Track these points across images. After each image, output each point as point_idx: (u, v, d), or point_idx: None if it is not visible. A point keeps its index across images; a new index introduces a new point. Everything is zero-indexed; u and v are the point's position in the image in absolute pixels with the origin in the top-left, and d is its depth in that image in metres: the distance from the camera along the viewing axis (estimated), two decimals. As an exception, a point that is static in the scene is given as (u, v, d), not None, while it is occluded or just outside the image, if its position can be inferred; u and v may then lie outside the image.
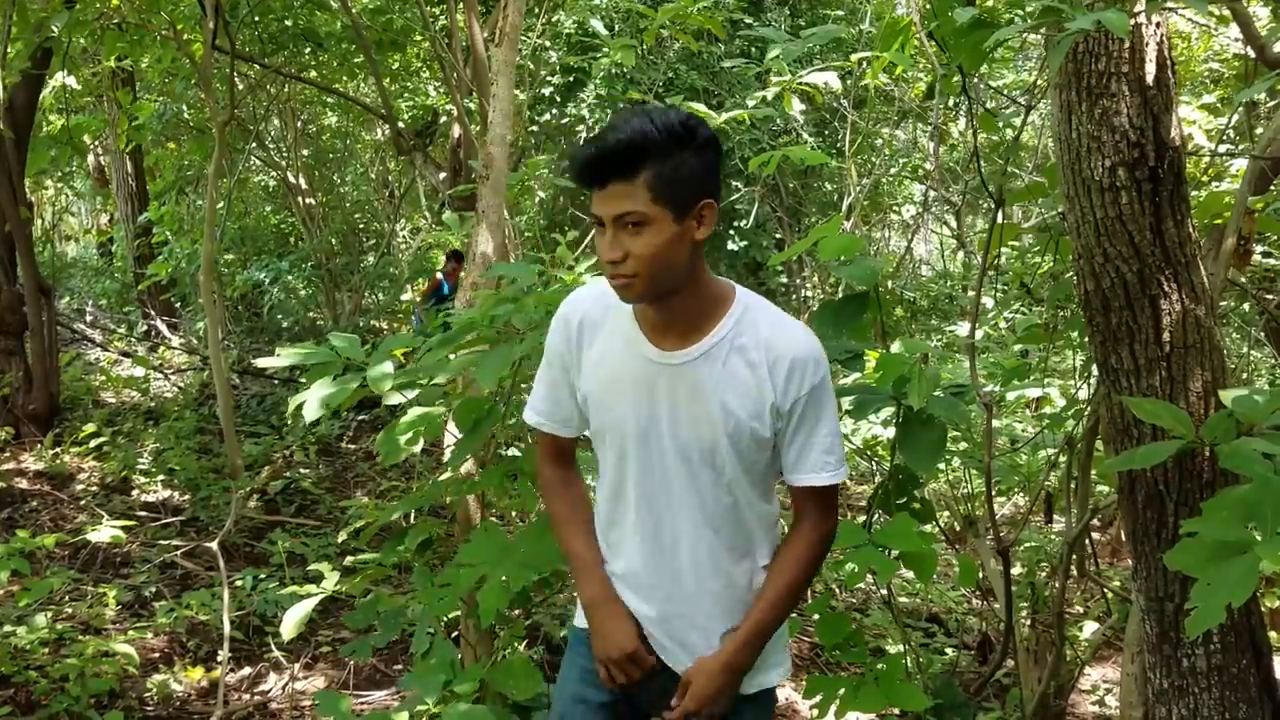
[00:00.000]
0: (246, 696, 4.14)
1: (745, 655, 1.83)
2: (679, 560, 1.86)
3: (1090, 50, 2.41)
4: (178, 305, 12.43)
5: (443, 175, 9.91)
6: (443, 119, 11.27)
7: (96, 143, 12.44)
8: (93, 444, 6.89)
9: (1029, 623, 3.77)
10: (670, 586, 1.88)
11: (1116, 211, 2.40)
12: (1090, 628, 4.47)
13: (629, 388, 1.82)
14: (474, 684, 2.37)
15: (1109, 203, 2.41)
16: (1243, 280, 3.85)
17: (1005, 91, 7.11)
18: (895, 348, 2.60)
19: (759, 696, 1.92)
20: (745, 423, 1.75)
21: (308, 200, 11.88)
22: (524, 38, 7.67)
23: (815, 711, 2.44)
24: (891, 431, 4.30)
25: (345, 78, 10.93)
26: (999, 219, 2.97)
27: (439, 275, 9.77)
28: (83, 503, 6.05)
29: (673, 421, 1.79)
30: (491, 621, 2.33)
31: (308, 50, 9.79)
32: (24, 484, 6.30)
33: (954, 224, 12.68)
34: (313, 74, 10.18)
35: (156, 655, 4.36)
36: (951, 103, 8.20)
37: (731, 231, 9.87)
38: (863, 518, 2.61)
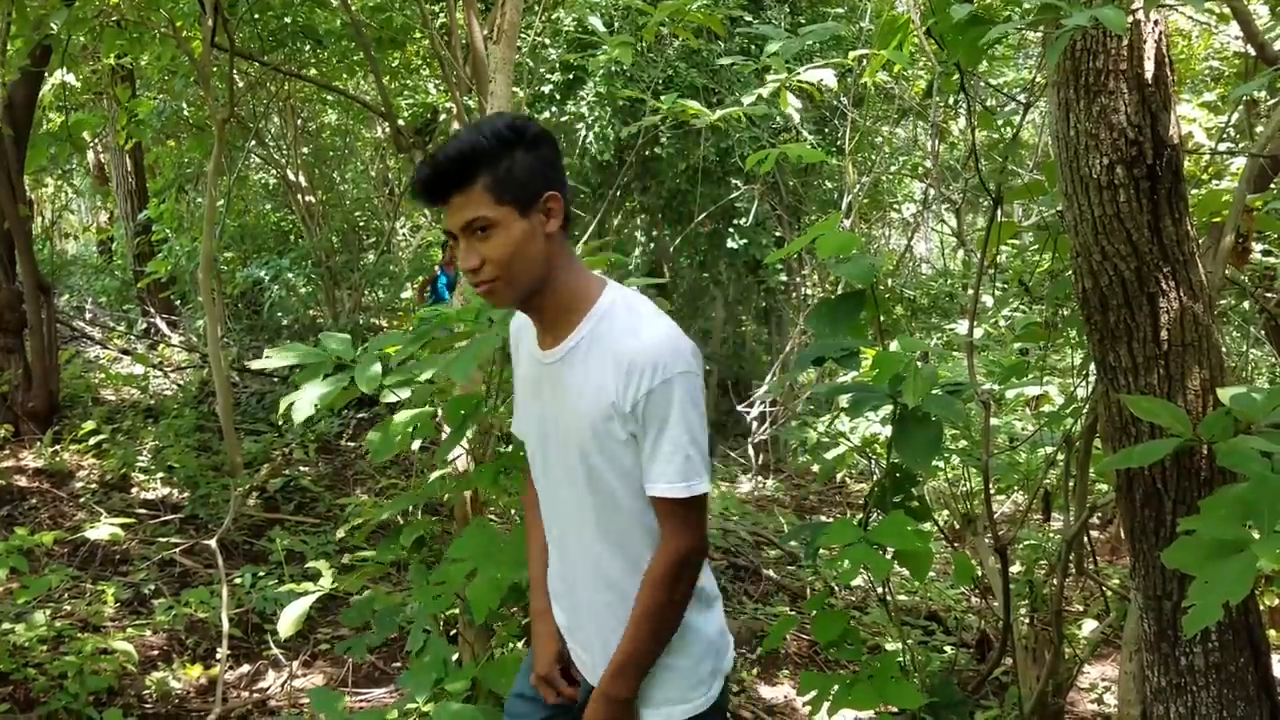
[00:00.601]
0: (245, 694, 4.15)
1: (617, 685, 1.76)
2: (575, 569, 1.85)
3: (1088, 48, 2.40)
4: (177, 303, 12.43)
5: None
6: (442, 117, 11.26)
7: (96, 140, 12.44)
8: (92, 441, 6.89)
9: (1027, 621, 3.77)
10: (571, 596, 1.88)
11: (1115, 209, 2.40)
12: (1089, 626, 4.47)
13: (529, 390, 1.86)
14: (466, 682, 2.38)
15: (1107, 200, 2.41)
16: (1242, 278, 3.85)
17: (1004, 90, 7.10)
18: (893, 346, 2.60)
19: None
20: (600, 424, 1.70)
21: (307, 198, 11.86)
22: (523, 35, 7.67)
23: (810, 708, 2.44)
24: (890, 430, 4.30)
25: (345, 75, 10.92)
26: (998, 217, 2.97)
27: (436, 268, 9.75)
28: (82, 500, 6.04)
29: (555, 422, 1.79)
30: (484, 618, 2.33)
31: (307, 48, 9.77)
32: (23, 481, 6.30)
33: (954, 222, 12.68)
34: (312, 71, 10.16)
35: (155, 653, 4.36)
36: (951, 101, 8.19)
37: (731, 230, 9.86)
38: (859, 515, 2.61)
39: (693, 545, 1.71)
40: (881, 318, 2.64)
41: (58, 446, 6.83)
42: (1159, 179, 2.39)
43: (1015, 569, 4.41)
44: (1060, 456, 3.49)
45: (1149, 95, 2.40)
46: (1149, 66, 2.40)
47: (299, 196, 11.71)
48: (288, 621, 3.07)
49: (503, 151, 1.65)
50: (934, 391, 2.37)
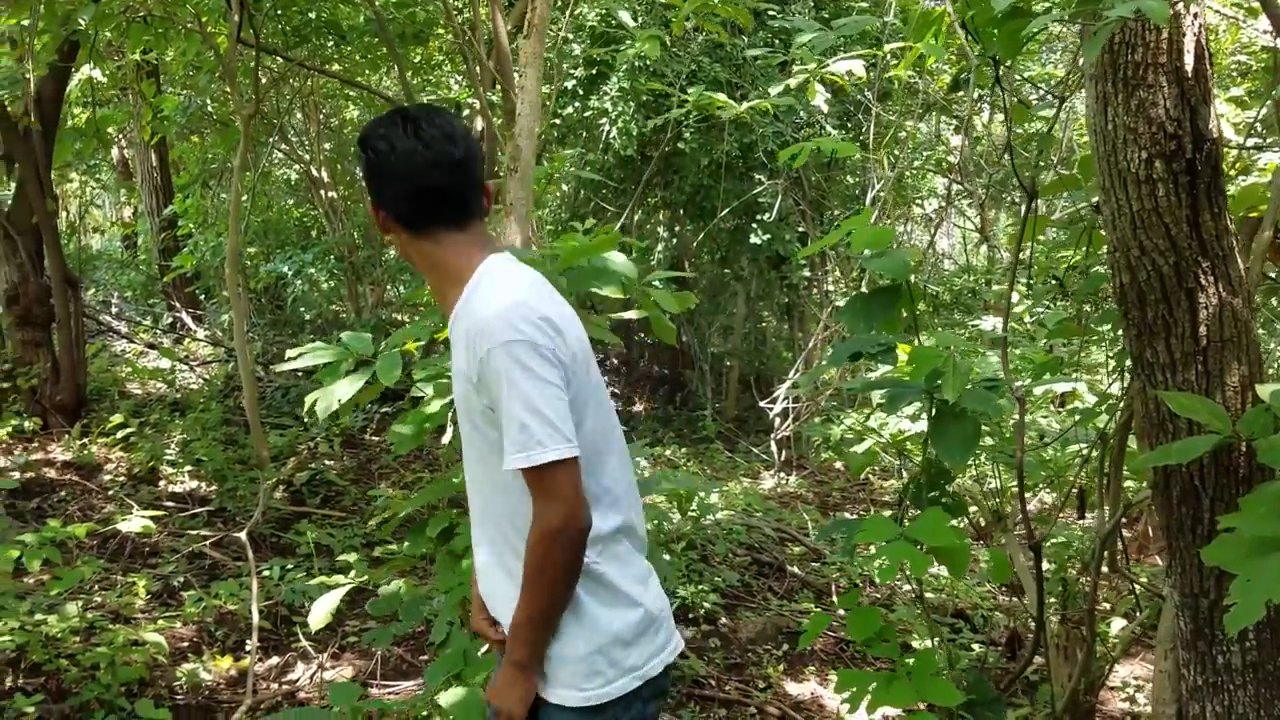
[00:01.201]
0: (275, 685, 4.17)
1: (511, 650, 1.80)
2: (476, 533, 1.95)
3: (1127, 41, 2.38)
4: (202, 298, 12.50)
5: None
6: (465, 112, 11.29)
7: (121, 135, 12.53)
8: (120, 435, 6.94)
9: (1058, 619, 3.74)
10: (477, 560, 1.97)
11: (1153, 204, 2.38)
12: (1119, 624, 4.44)
13: None
14: (485, 674, 2.38)
15: (1145, 195, 2.39)
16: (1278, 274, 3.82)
17: (1035, 83, 7.05)
18: (926, 342, 2.58)
19: (553, 709, 1.83)
20: (461, 392, 1.80)
21: (330, 194, 11.91)
22: (549, 30, 7.67)
23: (847, 706, 2.43)
24: (918, 426, 4.28)
25: (368, 71, 10.95)
26: (1031, 211, 2.95)
27: None
28: (110, 493, 6.09)
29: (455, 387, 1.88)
30: None
31: (331, 43, 9.81)
32: (52, 474, 6.36)
33: (977, 218, 12.60)
34: (336, 67, 10.20)
35: (185, 644, 4.39)
36: (976, 95, 8.14)
37: (754, 225, 9.84)
38: (889, 512, 2.60)
39: (557, 517, 1.68)
40: (914, 312, 2.62)
41: (86, 439, 6.89)
42: (1198, 173, 2.37)
43: (1046, 567, 4.39)
44: (1094, 453, 3.47)
45: (1188, 88, 2.37)
46: (1188, 60, 2.38)
47: (321, 192, 11.76)
48: (319, 614, 3.09)
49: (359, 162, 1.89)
50: (969, 386, 2.36)
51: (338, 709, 2.50)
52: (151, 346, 10.81)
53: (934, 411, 2.46)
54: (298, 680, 4.24)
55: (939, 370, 2.35)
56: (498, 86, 7.21)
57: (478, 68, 7.57)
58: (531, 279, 1.83)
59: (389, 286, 12.29)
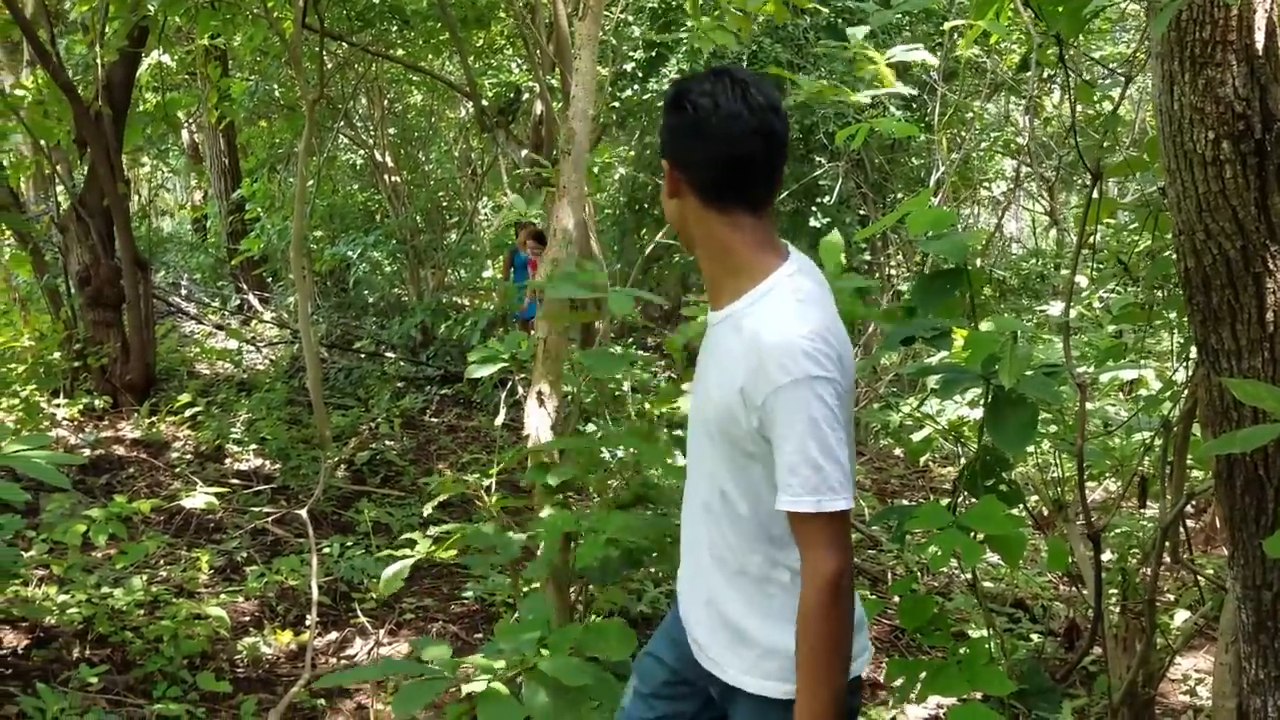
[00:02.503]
0: (333, 660, 4.25)
1: (812, 704, 1.63)
2: (690, 529, 1.89)
3: (1195, 18, 2.31)
4: (269, 280, 12.74)
5: (525, 152, 9.95)
6: (525, 96, 11.33)
7: (191, 120, 12.78)
8: (187, 413, 7.11)
9: (1118, 609, 3.67)
10: (686, 556, 1.91)
11: (1220, 186, 2.31)
12: (1181, 616, 4.34)
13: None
14: (568, 643, 2.36)
15: (1212, 177, 2.31)
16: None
17: (1104, 63, 6.88)
18: (985, 326, 2.54)
19: (754, 701, 1.77)
20: (727, 401, 1.68)
21: (393, 178, 12.05)
22: (607, 13, 7.66)
23: (896, 694, 2.41)
24: (978, 412, 4.21)
25: (430, 55, 11.04)
26: (1096, 194, 2.88)
27: (516, 246, 9.74)
28: (177, 470, 6.25)
29: (702, 381, 1.81)
30: (591, 565, 2.38)
31: (394, 28, 9.90)
32: (121, 451, 6.53)
33: (1046, 201, 12.36)
34: (399, 52, 10.30)
35: (247, 619, 4.49)
36: (1047, 75, 7.97)
37: (814, 209, 9.74)
38: (946, 499, 2.57)
39: (838, 566, 1.59)
40: (973, 296, 2.57)
41: (154, 418, 7.06)
42: (1267, 154, 2.29)
43: (1107, 556, 4.31)
44: (1157, 442, 3.39)
45: (1258, 67, 2.29)
46: (1258, 37, 2.29)
47: (385, 177, 11.90)
48: (387, 579, 3.14)
49: (663, 113, 1.77)
50: (1028, 372, 2.32)
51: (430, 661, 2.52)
52: (219, 328, 11.05)
53: (991, 398, 2.41)
54: (355, 655, 4.32)
55: (996, 356, 2.31)
56: (557, 70, 7.23)
57: (537, 51, 7.59)
58: (827, 302, 1.71)
59: (450, 270, 12.42)
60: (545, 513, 3.00)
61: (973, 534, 2.28)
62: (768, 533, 1.72)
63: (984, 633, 3.47)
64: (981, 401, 2.47)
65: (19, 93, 7.03)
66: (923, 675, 2.39)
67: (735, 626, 1.79)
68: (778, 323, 1.61)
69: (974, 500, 2.50)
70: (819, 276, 1.77)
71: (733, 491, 1.73)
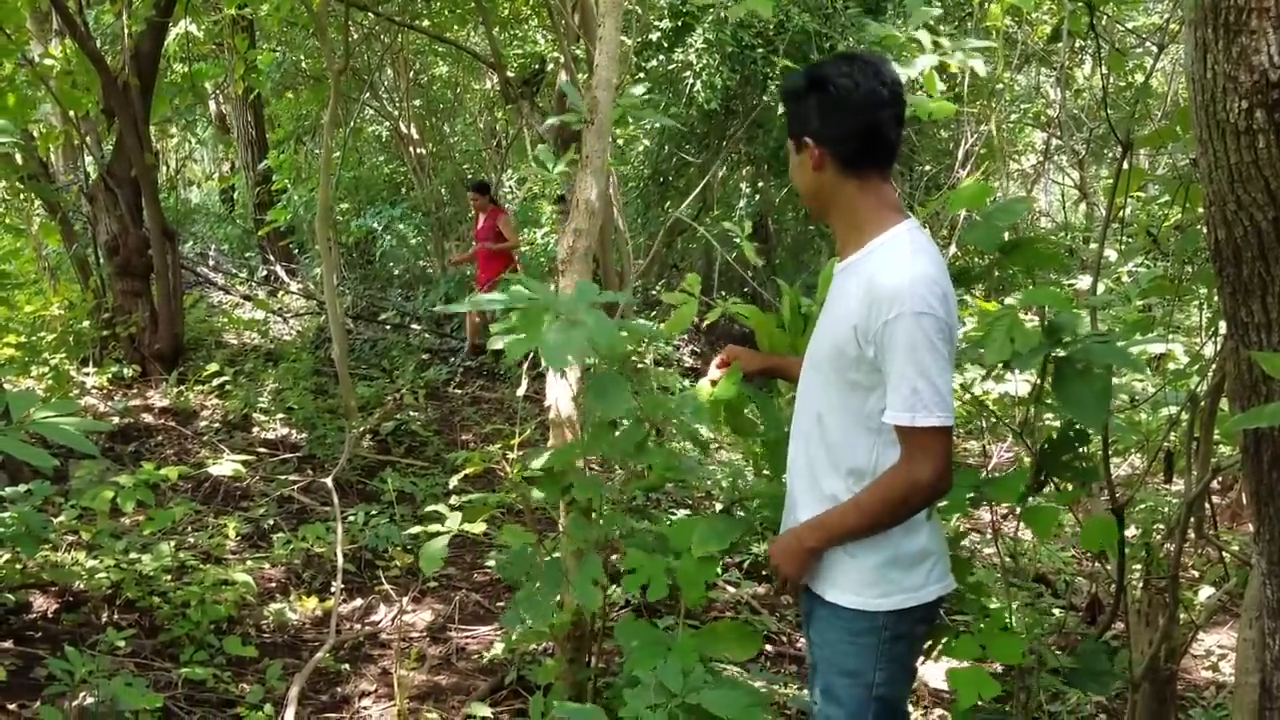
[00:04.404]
0: (358, 626, 4.30)
1: (806, 531, 2.03)
2: (792, 457, 2.15)
3: (1229, -16, 2.26)
4: (295, 251, 12.80)
5: (549, 123, 9.90)
6: (550, 67, 11.27)
7: (218, 91, 12.81)
8: (215, 383, 7.18)
9: (1141, 585, 3.66)
10: (789, 484, 2.17)
11: (1253, 156, 2.26)
12: (1205, 592, 4.31)
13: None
14: (693, 657, 2.29)
15: (1244, 146, 2.27)
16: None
17: (1138, 34, 6.77)
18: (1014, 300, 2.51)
19: (829, 606, 2.04)
20: (842, 334, 1.93)
21: (418, 150, 12.05)
22: (633, -18, 7.60)
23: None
24: (1002, 387, 4.17)
25: (455, 26, 10.99)
26: (1126, 165, 2.84)
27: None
28: (205, 438, 6.31)
29: (823, 319, 2.07)
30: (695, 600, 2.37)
31: (420, -2, 9.87)
32: (150, 419, 6.61)
33: (1076, 174, 12.21)
34: (425, 22, 10.27)
35: (273, 585, 4.55)
36: (1077, 46, 7.85)
37: (841, 181, 9.65)
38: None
39: (929, 473, 1.87)
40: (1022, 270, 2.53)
41: (182, 387, 7.13)
42: (1302, 124, 2.25)
43: (1131, 531, 4.28)
44: (1184, 416, 3.36)
45: (1295, 34, 2.25)
46: (1296, 3, 2.25)
47: (410, 148, 11.90)
48: (428, 557, 3.15)
49: (791, 98, 2.04)
50: (1094, 341, 2.27)
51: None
52: (247, 298, 11.12)
53: (1056, 370, 2.32)
54: (380, 622, 4.36)
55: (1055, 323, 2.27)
56: (582, 41, 7.18)
57: (562, 22, 7.54)
58: (934, 252, 1.95)
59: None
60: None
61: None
62: (850, 463, 1.99)
63: (1004, 604, 3.46)
64: (1008, 376, 2.42)
65: (48, 62, 7.07)
66: (943, 640, 2.38)
67: None
68: (892, 267, 1.88)
69: (1054, 480, 2.46)
70: (928, 235, 2.02)
71: (829, 418, 2.01)
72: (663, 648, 2.32)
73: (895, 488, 1.91)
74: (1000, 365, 2.41)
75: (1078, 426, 2.48)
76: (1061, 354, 2.25)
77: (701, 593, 2.38)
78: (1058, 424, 2.54)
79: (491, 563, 4.89)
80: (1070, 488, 2.52)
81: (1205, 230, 2.47)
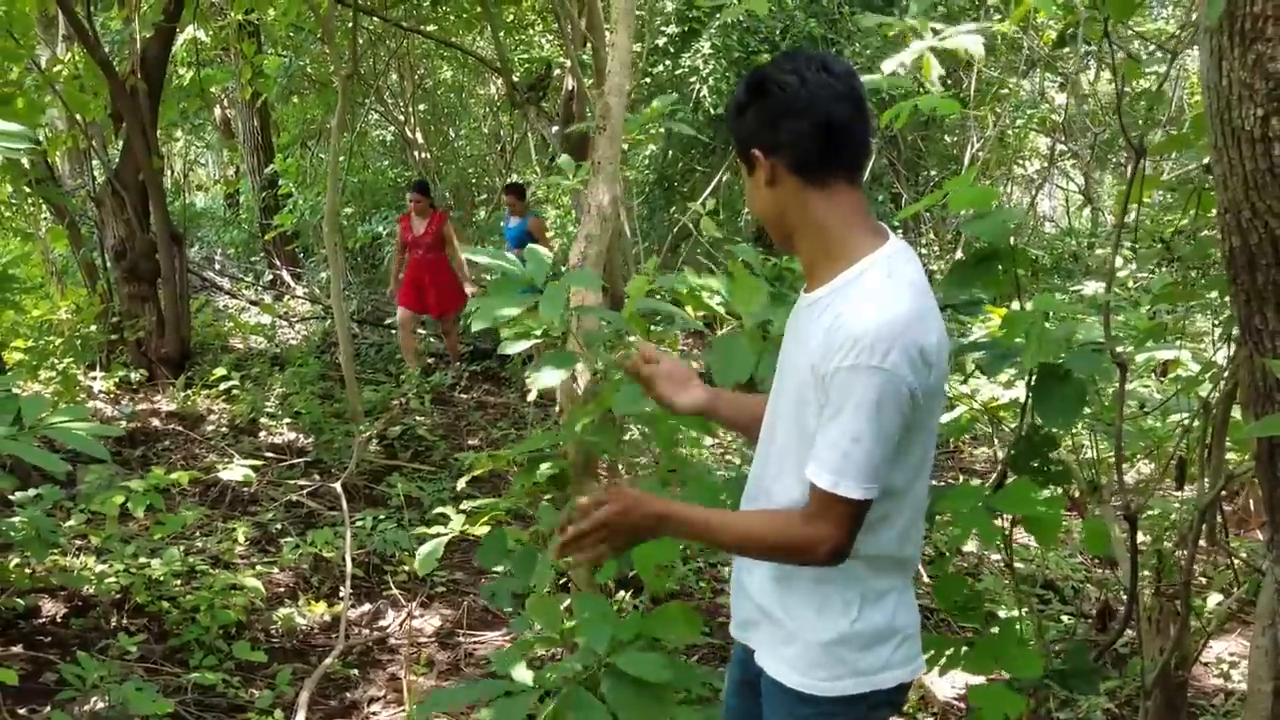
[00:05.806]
0: (366, 631, 4.30)
1: (671, 513, 1.74)
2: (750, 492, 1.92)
3: (1245, -9, 2.26)
4: (301, 256, 12.81)
5: (555, 128, 9.93)
6: (556, 72, 11.29)
7: (224, 96, 12.84)
8: (222, 387, 7.18)
9: (1152, 591, 3.65)
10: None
11: (1268, 163, 2.27)
12: (1215, 599, 4.30)
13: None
14: (635, 634, 2.32)
15: (1260, 154, 2.27)
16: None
17: (1146, 39, 6.76)
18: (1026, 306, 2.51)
19: (772, 681, 1.82)
20: (803, 377, 1.71)
21: (424, 154, 12.07)
22: (640, -12, 7.60)
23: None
24: (1011, 393, 4.18)
25: (461, 31, 11.02)
26: (1138, 171, 2.83)
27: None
28: (212, 443, 6.31)
29: (786, 357, 1.83)
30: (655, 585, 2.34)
31: (426, 3, 9.89)
32: (157, 423, 6.62)
33: (1080, 180, 12.19)
34: (431, 27, 10.29)
35: (282, 590, 4.54)
36: (1082, 51, 7.84)
37: (846, 186, 9.66)
38: (977, 481, 2.54)
39: (827, 544, 1.66)
40: (1017, 275, 2.53)
41: (189, 391, 7.14)
42: (1318, 131, 2.25)
43: (1142, 538, 4.27)
44: (1195, 423, 3.35)
45: (1310, 42, 2.25)
46: (1311, 11, 2.25)
47: (415, 153, 11.92)
48: (423, 558, 3.16)
49: (736, 112, 1.77)
50: (1074, 349, 2.28)
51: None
52: (253, 303, 11.13)
53: (1037, 376, 2.37)
54: (388, 627, 4.36)
55: (1028, 333, 2.28)
56: (588, 45, 7.20)
57: (569, 26, 7.56)
58: (919, 291, 1.69)
59: (479, 247, 12.43)
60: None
61: (998, 516, 2.25)
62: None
63: (1015, 613, 3.46)
64: (1019, 382, 2.44)
65: (56, 68, 7.08)
66: (949, 652, 2.38)
67: (759, 604, 1.84)
68: (862, 308, 1.63)
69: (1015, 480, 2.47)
70: (916, 263, 1.76)
71: (792, 479, 1.75)
72: (609, 620, 2.34)
73: (794, 537, 1.69)
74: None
75: (1044, 430, 2.50)
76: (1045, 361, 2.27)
77: (654, 573, 2.36)
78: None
79: (499, 567, 4.89)
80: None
81: (1219, 237, 2.47)
